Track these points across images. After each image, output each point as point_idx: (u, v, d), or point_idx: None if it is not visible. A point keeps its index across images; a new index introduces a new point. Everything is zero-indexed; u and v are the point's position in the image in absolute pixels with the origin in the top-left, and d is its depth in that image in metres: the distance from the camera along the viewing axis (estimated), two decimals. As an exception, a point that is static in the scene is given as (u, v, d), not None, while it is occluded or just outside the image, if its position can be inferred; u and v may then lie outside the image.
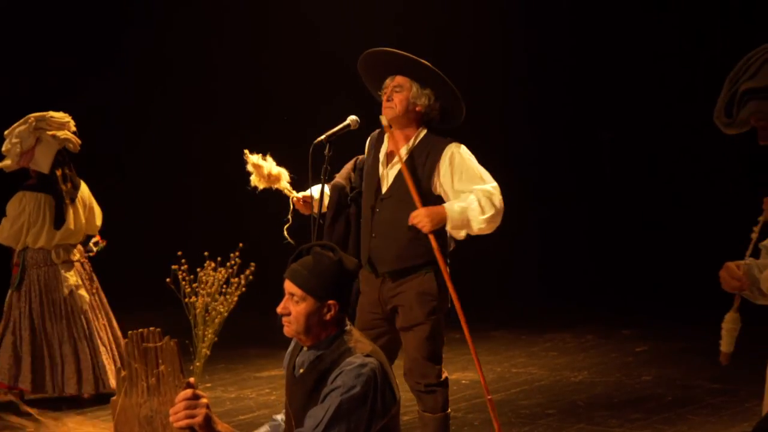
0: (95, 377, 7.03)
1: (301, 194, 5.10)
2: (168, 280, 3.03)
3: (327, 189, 5.11)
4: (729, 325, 3.65)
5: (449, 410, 5.06)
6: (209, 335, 3.03)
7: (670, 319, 9.10)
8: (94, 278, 7.28)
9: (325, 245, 3.49)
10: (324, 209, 5.06)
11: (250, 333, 8.50)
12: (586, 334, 9.00)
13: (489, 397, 4.88)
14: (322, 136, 4.94)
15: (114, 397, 3.18)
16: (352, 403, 3.24)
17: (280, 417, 3.66)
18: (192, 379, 3.06)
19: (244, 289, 3.07)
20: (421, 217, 4.82)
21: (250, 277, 3.07)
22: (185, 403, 3.01)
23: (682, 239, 10.20)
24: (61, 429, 6.55)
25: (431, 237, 4.82)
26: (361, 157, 5.23)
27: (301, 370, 3.45)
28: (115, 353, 7.17)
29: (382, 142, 5.10)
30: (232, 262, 3.03)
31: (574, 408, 6.69)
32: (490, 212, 4.83)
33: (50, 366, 7.03)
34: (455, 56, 10.18)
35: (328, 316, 3.39)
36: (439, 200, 4.96)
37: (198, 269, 3.02)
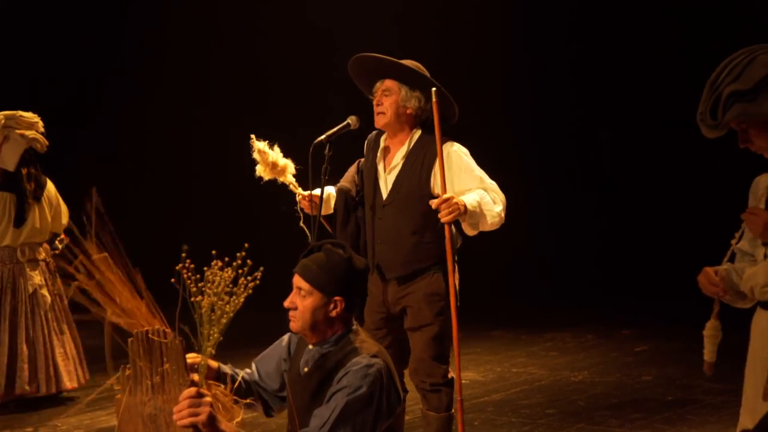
0: (48, 377, 7.03)
1: (306, 193, 4.99)
2: (173, 280, 3.03)
3: (331, 190, 5.10)
4: (710, 332, 3.66)
5: (453, 410, 5.04)
6: (215, 335, 3.03)
7: (670, 319, 9.09)
8: (57, 278, 7.25)
9: (336, 243, 3.50)
10: (324, 211, 5.04)
11: (251, 333, 8.48)
12: (586, 334, 9.01)
13: (459, 398, 4.85)
14: (322, 136, 4.93)
15: (118, 395, 3.18)
16: (358, 404, 3.25)
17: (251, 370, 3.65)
18: (196, 377, 3.06)
19: (251, 291, 3.06)
20: (454, 201, 4.64)
21: (257, 281, 3.06)
22: (189, 402, 3.00)
23: (682, 239, 10.19)
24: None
25: (447, 228, 4.69)
26: (362, 159, 5.23)
27: (306, 369, 3.45)
28: (73, 353, 7.18)
29: (378, 146, 5.08)
30: (240, 262, 3.02)
31: (574, 408, 6.69)
32: (501, 206, 4.82)
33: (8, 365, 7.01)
34: (455, 56, 10.22)
35: (334, 313, 3.40)
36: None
37: (205, 268, 3.02)
